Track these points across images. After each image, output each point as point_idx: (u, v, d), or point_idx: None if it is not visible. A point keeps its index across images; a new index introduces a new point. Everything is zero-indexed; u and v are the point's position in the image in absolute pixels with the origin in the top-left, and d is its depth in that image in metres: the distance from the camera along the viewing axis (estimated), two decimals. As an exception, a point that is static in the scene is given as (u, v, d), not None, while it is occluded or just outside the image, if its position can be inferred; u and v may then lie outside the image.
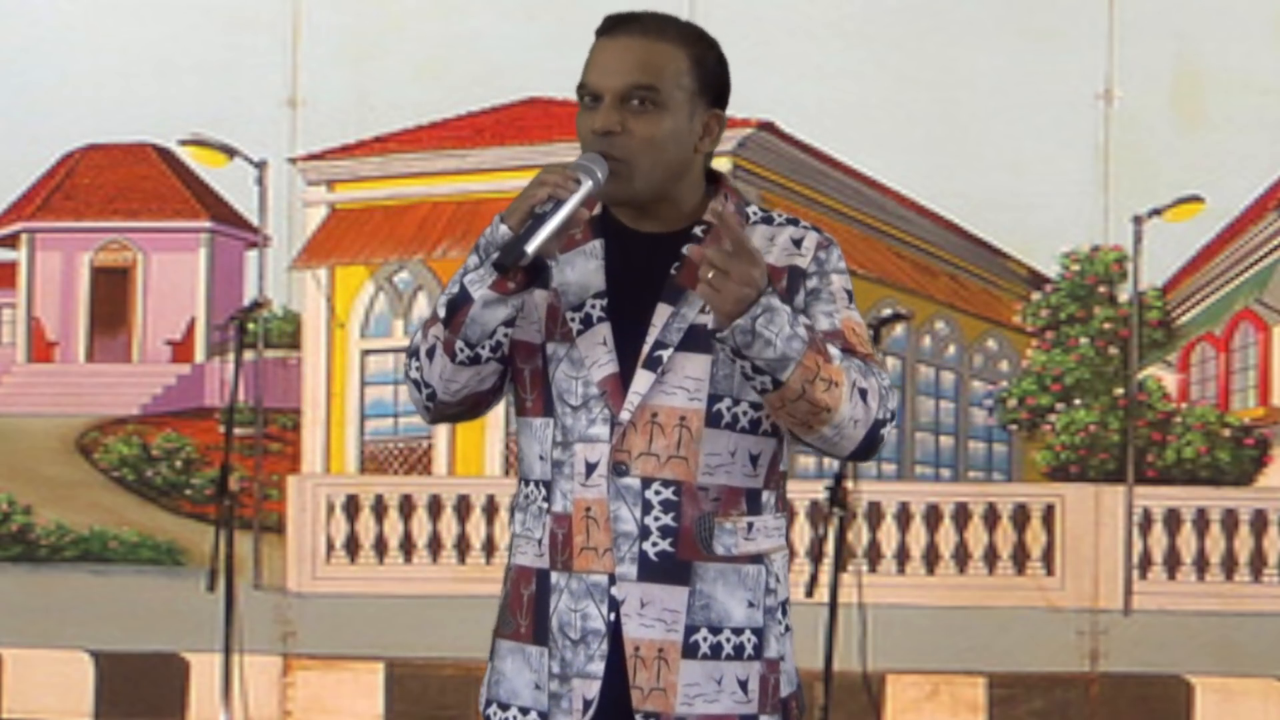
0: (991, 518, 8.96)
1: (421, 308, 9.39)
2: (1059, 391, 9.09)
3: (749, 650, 3.16)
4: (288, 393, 9.23)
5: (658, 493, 3.12)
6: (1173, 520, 8.86)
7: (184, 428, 9.69)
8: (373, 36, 9.02)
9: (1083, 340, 9.08)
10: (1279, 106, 8.72)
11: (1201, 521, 8.88)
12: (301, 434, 9.40)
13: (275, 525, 9.23)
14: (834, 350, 3.11)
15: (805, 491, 8.83)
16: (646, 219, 3.21)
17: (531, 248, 3.01)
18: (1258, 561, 8.82)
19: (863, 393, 3.11)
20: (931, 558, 8.96)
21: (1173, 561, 8.84)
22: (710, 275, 2.97)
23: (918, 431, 9.49)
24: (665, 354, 3.13)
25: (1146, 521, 8.83)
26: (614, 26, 3.21)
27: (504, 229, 3.06)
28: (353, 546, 9.18)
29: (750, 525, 3.17)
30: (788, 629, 3.26)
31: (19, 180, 9.64)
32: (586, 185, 3.08)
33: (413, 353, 3.19)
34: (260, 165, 9.22)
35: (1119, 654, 8.60)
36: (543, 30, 8.50)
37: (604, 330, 3.15)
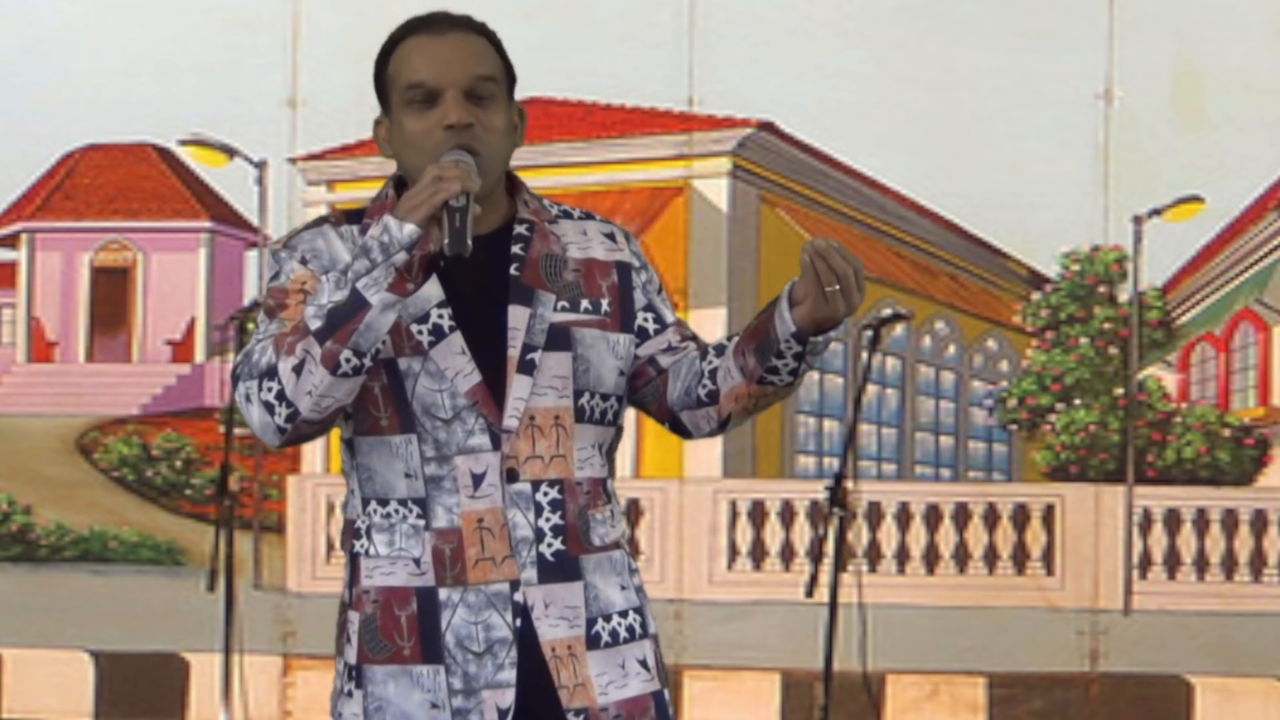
0: (991, 518, 8.96)
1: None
2: (1059, 391, 9.10)
3: (638, 630, 3.22)
4: (288, 393, 9.22)
5: (545, 493, 3.14)
6: (1173, 520, 8.86)
7: (184, 428, 9.69)
8: (373, 36, 8.96)
9: (1083, 340, 9.08)
10: (1279, 106, 8.72)
11: (1201, 521, 8.88)
12: (301, 434, 9.40)
13: (275, 525, 9.23)
14: None
15: (805, 491, 8.83)
16: None
17: (470, 237, 2.98)
18: (1258, 561, 8.82)
19: None
20: (931, 558, 8.96)
21: (1173, 561, 8.84)
22: (854, 295, 3.02)
23: (918, 431, 9.50)
24: (536, 356, 3.14)
25: (1146, 521, 8.83)
26: (430, 25, 3.19)
27: (410, 227, 2.97)
28: (353, 546, 9.17)
29: (612, 513, 3.23)
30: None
31: (19, 180, 9.64)
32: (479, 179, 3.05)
33: (265, 373, 3.02)
34: (260, 165, 9.22)
35: (1119, 654, 8.60)
36: (542, 30, 8.49)
37: (458, 339, 3.12)
